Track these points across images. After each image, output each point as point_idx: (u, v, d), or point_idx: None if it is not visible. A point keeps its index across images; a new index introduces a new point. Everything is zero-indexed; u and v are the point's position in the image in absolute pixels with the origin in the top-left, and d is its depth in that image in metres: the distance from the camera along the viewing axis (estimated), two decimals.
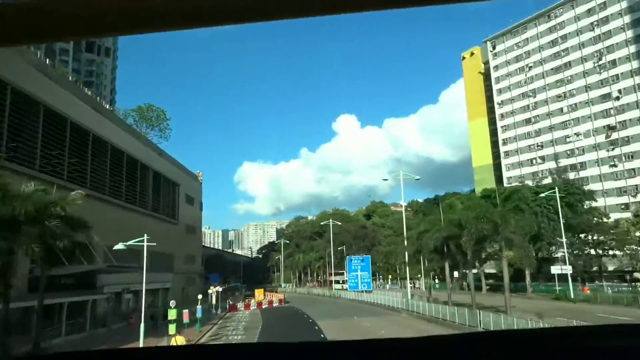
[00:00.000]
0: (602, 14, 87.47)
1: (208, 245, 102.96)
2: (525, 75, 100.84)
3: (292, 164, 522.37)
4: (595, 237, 62.72)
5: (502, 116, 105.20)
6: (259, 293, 60.54)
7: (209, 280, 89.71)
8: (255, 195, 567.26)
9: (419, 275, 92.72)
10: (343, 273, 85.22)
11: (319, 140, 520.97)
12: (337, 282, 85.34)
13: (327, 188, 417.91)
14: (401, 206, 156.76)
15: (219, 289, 77.58)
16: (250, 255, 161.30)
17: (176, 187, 59.72)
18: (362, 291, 64.75)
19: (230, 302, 54.91)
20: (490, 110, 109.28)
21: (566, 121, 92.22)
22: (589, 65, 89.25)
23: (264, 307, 54.99)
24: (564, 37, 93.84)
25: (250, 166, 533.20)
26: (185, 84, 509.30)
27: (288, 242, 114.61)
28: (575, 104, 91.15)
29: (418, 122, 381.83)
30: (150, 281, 37.34)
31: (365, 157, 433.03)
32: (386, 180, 64.20)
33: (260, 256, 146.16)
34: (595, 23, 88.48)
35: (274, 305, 57.44)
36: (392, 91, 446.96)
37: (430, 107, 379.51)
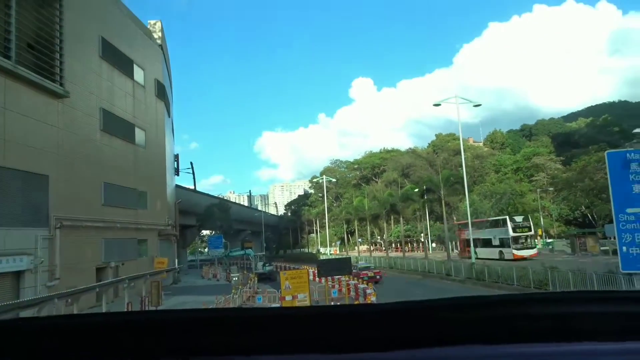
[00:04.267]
0: None
1: (210, 194, 68.11)
2: None
3: (312, 128, 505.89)
4: None
5: None
6: (288, 277, 17.95)
7: (210, 247, 56.86)
8: (278, 163, 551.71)
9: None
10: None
11: (336, 106, 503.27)
12: (485, 242, 43.97)
13: (349, 152, 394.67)
14: (478, 142, 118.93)
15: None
16: (276, 214, 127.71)
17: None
18: None
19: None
20: None
21: None
22: None
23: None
24: None
25: (270, 135, 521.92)
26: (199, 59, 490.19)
27: (328, 186, 78.87)
28: None
29: (433, 84, 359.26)
30: None
31: (383, 119, 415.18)
32: (438, 105, 32.25)
33: (289, 214, 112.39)
34: None
35: None
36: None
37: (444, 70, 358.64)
